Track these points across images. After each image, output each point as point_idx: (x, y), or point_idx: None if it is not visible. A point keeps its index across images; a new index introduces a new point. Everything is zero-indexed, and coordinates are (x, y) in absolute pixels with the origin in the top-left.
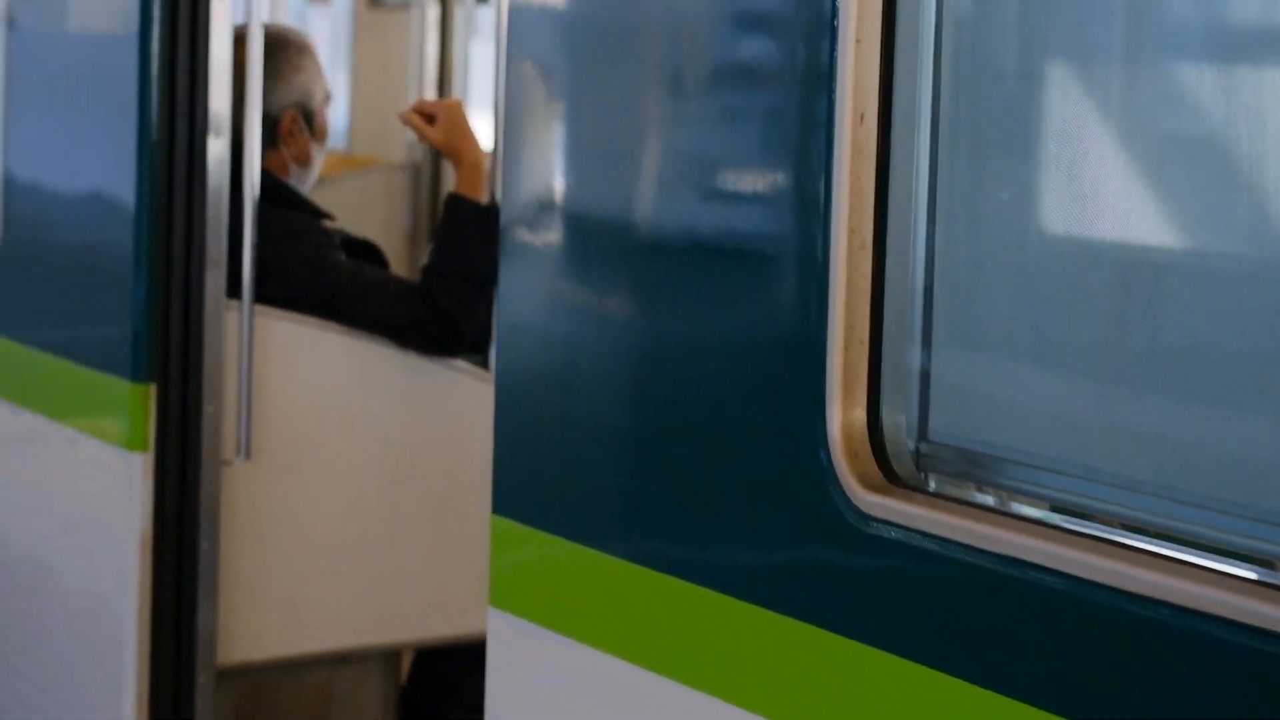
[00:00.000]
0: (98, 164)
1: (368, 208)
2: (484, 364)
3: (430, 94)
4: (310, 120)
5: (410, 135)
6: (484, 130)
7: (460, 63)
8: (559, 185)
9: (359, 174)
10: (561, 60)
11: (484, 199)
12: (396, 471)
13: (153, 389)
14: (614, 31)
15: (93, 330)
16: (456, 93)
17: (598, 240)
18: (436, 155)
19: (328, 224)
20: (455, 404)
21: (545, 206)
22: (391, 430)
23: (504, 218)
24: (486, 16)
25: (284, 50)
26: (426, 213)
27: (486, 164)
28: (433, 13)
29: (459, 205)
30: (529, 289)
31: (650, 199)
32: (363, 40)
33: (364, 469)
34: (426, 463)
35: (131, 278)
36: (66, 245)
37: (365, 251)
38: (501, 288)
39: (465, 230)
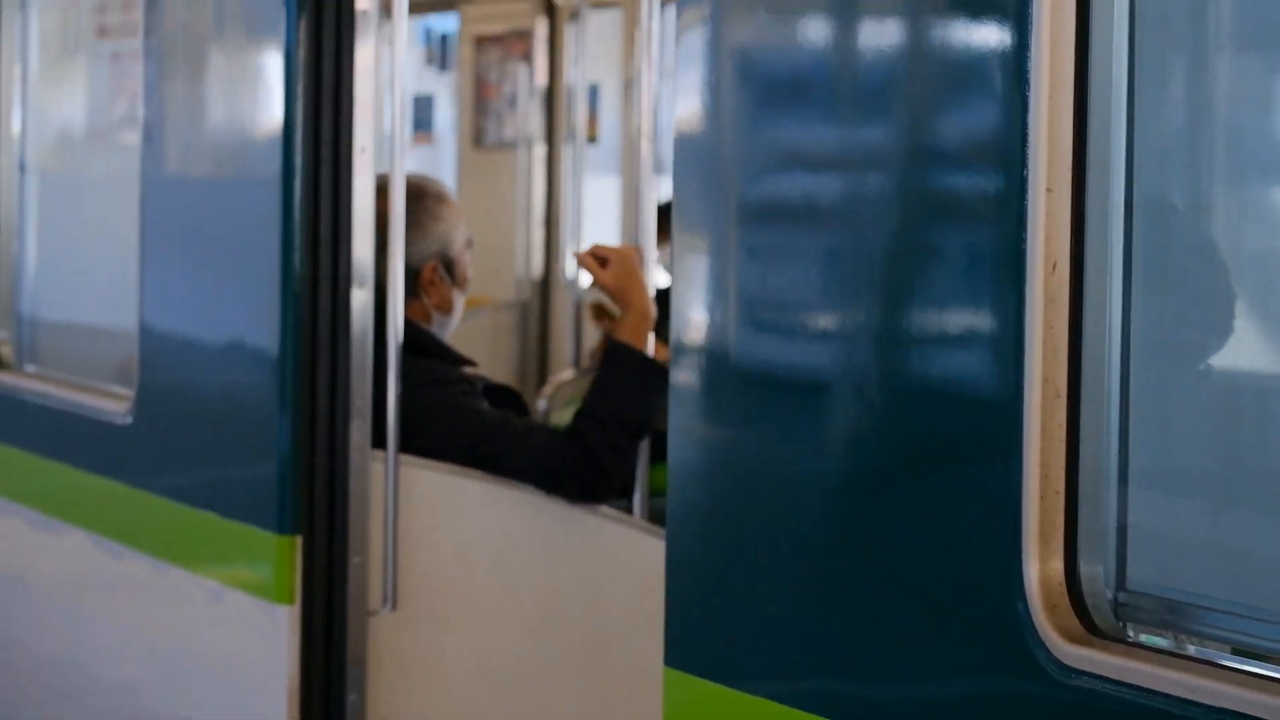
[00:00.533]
0: (239, 315)
1: (476, 346)
2: (628, 509)
3: (538, 232)
4: (451, 268)
5: (515, 273)
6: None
7: (570, 201)
8: (734, 324)
9: (467, 313)
10: (736, 198)
11: (646, 348)
12: (544, 619)
13: (299, 541)
14: (793, 177)
15: (235, 482)
16: (566, 230)
17: (776, 383)
18: (544, 294)
19: (469, 371)
20: (602, 550)
21: (721, 346)
22: (538, 578)
23: (674, 357)
24: (593, 155)
25: (423, 200)
26: (535, 351)
27: (654, 315)
28: (539, 151)
29: (621, 352)
30: (701, 432)
31: (835, 344)
32: (468, 180)
33: (511, 617)
34: (574, 610)
35: (275, 428)
36: (206, 395)
37: (507, 398)
38: (672, 431)
39: (625, 377)
